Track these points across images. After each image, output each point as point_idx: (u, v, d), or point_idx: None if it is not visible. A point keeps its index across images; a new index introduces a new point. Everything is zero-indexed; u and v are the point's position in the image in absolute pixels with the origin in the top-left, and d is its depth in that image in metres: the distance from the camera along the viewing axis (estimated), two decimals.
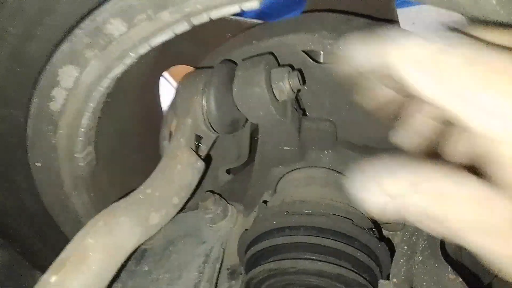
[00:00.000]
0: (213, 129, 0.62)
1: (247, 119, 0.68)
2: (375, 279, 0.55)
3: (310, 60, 0.61)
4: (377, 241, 0.56)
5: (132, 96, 0.80)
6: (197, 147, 0.62)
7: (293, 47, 0.61)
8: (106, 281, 0.47)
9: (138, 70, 0.73)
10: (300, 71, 0.59)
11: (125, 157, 0.83)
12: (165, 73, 0.99)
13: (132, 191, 0.56)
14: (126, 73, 0.59)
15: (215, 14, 0.51)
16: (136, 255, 0.70)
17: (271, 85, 0.56)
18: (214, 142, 0.65)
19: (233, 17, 0.84)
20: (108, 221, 0.49)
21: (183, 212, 0.73)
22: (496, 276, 0.63)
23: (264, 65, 0.56)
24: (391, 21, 0.78)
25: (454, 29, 0.28)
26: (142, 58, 0.56)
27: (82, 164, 0.66)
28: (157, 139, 0.77)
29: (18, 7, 0.50)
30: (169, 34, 0.51)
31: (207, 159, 0.65)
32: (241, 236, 0.62)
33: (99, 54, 0.51)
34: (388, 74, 0.28)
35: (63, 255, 0.46)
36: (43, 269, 0.46)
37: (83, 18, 0.49)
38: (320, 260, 0.53)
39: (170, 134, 0.74)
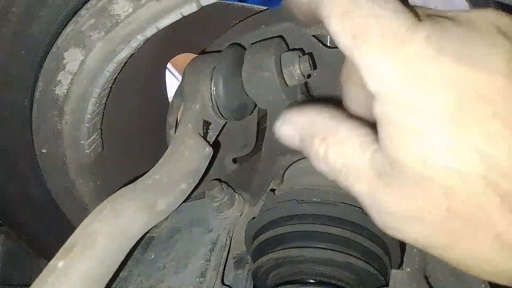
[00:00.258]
0: (221, 114, 0.60)
1: (255, 106, 0.66)
2: (384, 268, 0.54)
3: (320, 44, 0.59)
4: None
5: (138, 83, 0.79)
6: (205, 133, 0.61)
7: (302, 31, 0.59)
8: (114, 267, 0.46)
9: (143, 57, 0.72)
10: (311, 55, 0.58)
11: (131, 145, 0.82)
12: (168, 65, 0.97)
13: (139, 177, 0.55)
14: (132, 60, 0.58)
15: None
16: (143, 243, 0.70)
17: (281, 70, 0.55)
18: (222, 128, 0.64)
19: (238, 3, 0.83)
20: (115, 206, 0.48)
21: (189, 201, 0.72)
22: None
23: (274, 49, 0.55)
24: None
25: None
26: (148, 45, 0.54)
27: (87, 151, 0.65)
28: (162, 127, 0.76)
29: None
30: (177, 15, 0.50)
31: (215, 146, 0.64)
32: (248, 224, 0.61)
33: (105, 36, 0.50)
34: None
35: (70, 240, 0.45)
36: (48, 257, 0.45)
37: None
38: (328, 249, 0.52)
39: (177, 122, 0.73)
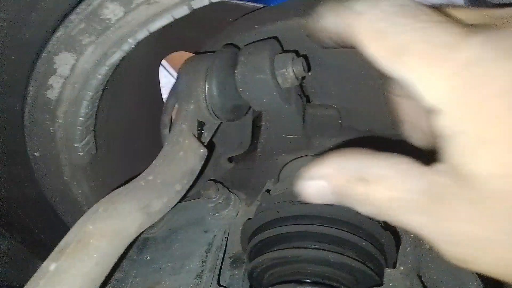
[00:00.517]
0: (215, 115, 0.60)
1: (250, 107, 0.66)
2: (380, 268, 0.54)
3: (315, 44, 0.59)
4: (382, 229, 0.55)
5: (131, 83, 0.78)
6: (200, 133, 0.61)
7: (297, 31, 0.59)
8: (107, 269, 0.46)
9: (137, 56, 0.71)
10: (305, 57, 0.58)
11: (126, 146, 0.82)
12: (164, 62, 0.96)
13: (134, 177, 0.54)
14: (125, 60, 0.57)
15: None
16: (139, 244, 0.69)
17: (275, 72, 0.54)
18: (217, 129, 0.64)
19: (233, 1, 0.82)
20: (108, 207, 0.48)
21: (185, 201, 0.72)
22: None
23: (268, 51, 0.54)
24: None
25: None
26: (141, 44, 0.54)
27: (81, 153, 0.65)
28: (157, 127, 0.75)
29: None
30: (168, 18, 0.49)
31: (210, 146, 0.63)
32: (244, 225, 0.61)
33: (96, 40, 0.49)
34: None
35: (63, 242, 0.45)
36: (45, 258, 0.45)
37: (78, 2, 0.47)
38: (324, 249, 0.53)
39: (171, 122, 0.73)
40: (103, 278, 0.47)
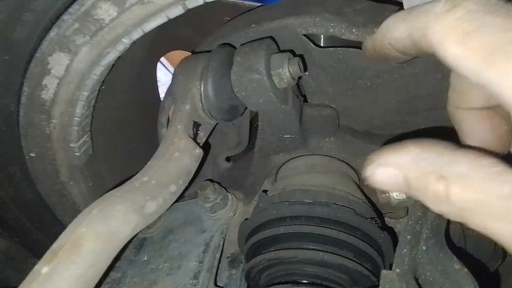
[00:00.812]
0: (211, 115, 0.60)
1: (246, 107, 0.66)
2: (377, 269, 0.54)
3: (312, 44, 0.58)
4: (380, 230, 0.55)
5: (128, 82, 0.78)
6: (195, 134, 0.60)
7: (293, 30, 0.59)
8: (101, 271, 0.46)
9: (133, 56, 0.71)
10: (301, 57, 0.57)
11: (124, 145, 0.82)
12: (163, 59, 0.96)
13: (128, 179, 0.54)
14: (121, 59, 0.57)
15: None
16: (136, 245, 0.69)
17: (271, 72, 0.54)
18: (213, 129, 0.64)
19: (230, 0, 0.81)
20: (102, 209, 0.47)
21: (182, 201, 0.72)
22: (501, 263, 0.62)
23: (263, 51, 0.54)
24: (395, 2, 0.74)
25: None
26: (137, 43, 0.53)
27: (77, 153, 0.64)
28: (154, 127, 0.75)
29: None
30: (163, 18, 0.49)
31: (206, 147, 0.63)
32: (241, 225, 0.61)
33: (90, 40, 0.49)
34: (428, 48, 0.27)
35: (55, 245, 0.45)
36: None
37: (71, 2, 0.47)
38: (321, 250, 0.52)
39: (168, 121, 0.72)
40: (96, 281, 0.46)
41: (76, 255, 0.44)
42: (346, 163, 0.66)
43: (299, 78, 0.56)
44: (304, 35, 0.58)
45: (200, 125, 0.61)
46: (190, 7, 0.49)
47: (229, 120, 0.64)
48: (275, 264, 0.55)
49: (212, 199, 0.66)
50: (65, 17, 0.47)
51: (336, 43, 0.59)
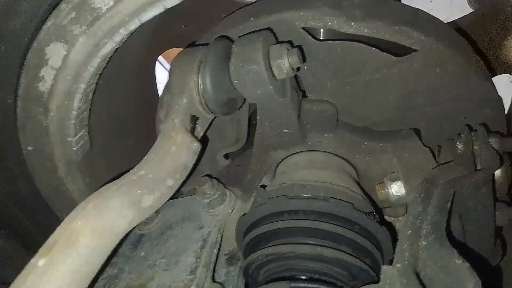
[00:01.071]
0: (209, 109, 0.59)
1: (244, 100, 0.65)
2: (376, 264, 0.53)
3: (311, 37, 0.58)
4: (378, 225, 0.54)
5: (127, 78, 0.77)
6: (193, 128, 0.60)
7: (292, 24, 0.58)
8: (97, 265, 0.45)
9: (132, 51, 0.70)
10: (300, 48, 0.57)
11: (122, 141, 0.81)
12: (161, 58, 0.96)
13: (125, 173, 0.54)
14: (119, 54, 0.57)
15: None
16: (133, 240, 0.69)
17: (269, 63, 0.53)
18: (211, 123, 0.63)
19: None
20: (98, 203, 0.47)
21: (180, 197, 0.71)
22: (501, 260, 0.61)
23: (262, 42, 0.53)
24: None
25: None
26: (136, 39, 0.53)
27: (75, 147, 0.64)
28: (153, 122, 0.75)
29: None
30: (160, 8, 0.48)
31: (204, 141, 0.62)
32: (239, 221, 0.60)
33: (87, 30, 0.49)
34: None
35: (51, 239, 0.44)
36: None
37: None
38: (319, 245, 0.52)
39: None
40: (93, 275, 0.46)
41: (72, 249, 0.43)
42: (345, 159, 0.66)
43: (298, 69, 0.56)
44: (303, 28, 0.58)
45: (197, 118, 0.60)
46: None
47: (227, 113, 0.63)
48: (273, 260, 0.55)
49: (210, 195, 0.65)
50: (62, 5, 0.47)
51: (335, 37, 0.59)
